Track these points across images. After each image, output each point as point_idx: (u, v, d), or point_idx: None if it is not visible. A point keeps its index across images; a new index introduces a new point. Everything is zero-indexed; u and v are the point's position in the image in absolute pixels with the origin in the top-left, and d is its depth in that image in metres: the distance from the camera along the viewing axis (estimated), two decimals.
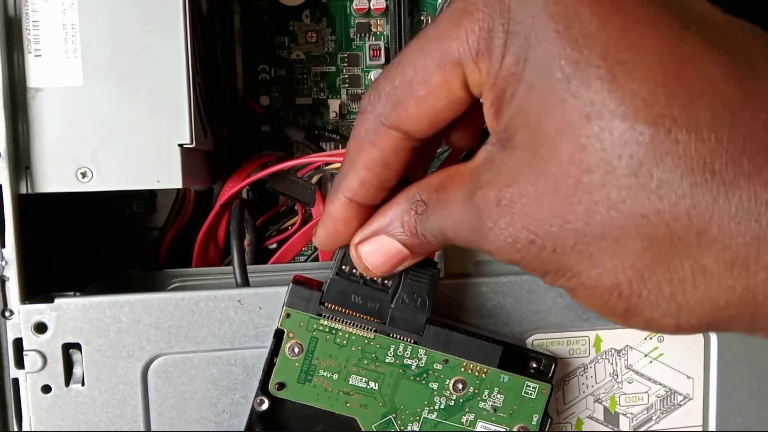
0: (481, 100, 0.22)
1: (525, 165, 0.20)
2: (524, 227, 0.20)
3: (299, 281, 0.28)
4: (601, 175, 0.18)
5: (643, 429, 0.33)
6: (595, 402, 0.33)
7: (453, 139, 0.26)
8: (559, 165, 0.19)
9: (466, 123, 0.24)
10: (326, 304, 0.27)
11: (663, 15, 0.19)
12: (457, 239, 0.23)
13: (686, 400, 0.33)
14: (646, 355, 0.33)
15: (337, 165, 0.37)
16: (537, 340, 0.32)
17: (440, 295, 0.29)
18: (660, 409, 0.33)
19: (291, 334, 0.28)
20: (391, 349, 0.28)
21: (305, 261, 0.42)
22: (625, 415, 0.33)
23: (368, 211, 0.25)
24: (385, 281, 0.27)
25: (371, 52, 0.42)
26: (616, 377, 0.33)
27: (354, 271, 0.27)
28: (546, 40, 0.19)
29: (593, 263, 0.19)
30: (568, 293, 0.21)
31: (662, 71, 0.18)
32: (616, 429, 0.33)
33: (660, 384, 0.33)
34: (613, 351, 0.32)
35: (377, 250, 0.25)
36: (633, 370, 0.33)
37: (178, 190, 0.41)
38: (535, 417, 0.29)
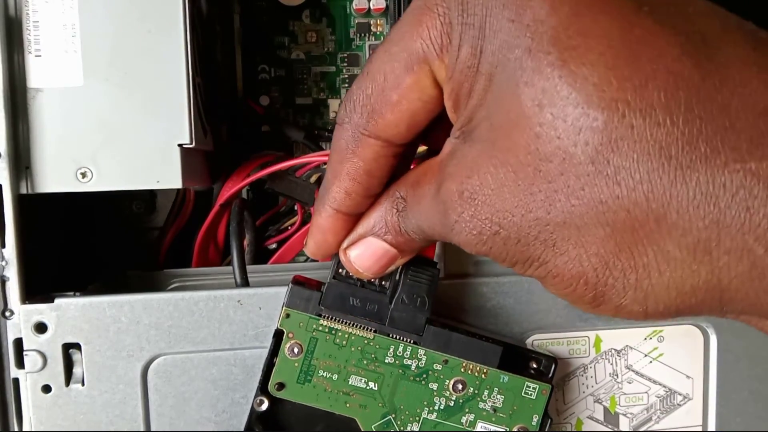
0: None
1: (485, 156, 0.20)
2: (488, 218, 0.20)
3: (299, 281, 0.28)
4: (559, 163, 0.18)
5: (642, 429, 0.33)
6: (595, 402, 0.33)
7: (431, 140, 0.25)
8: (516, 155, 0.19)
9: (442, 122, 0.23)
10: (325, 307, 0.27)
11: None
12: (433, 234, 0.22)
13: (686, 400, 0.33)
14: (645, 355, 0.33)
15: None
16: (537, 341, 0.32)
17: (440, 295, 0.29)
18: (660, 409, 0.33)
19: (290, 335, 0.28)
20: (391, 350, 0.28)
21: (305, 261, 0.42)
22: (625, 415, 0.33)
23: (356, 219, 0.25)
24: (383, 282, 0.27)
25: (371, 52, 0.42)
26: (615, 377, 0.33)
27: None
28: (501, 30, 0.19)
29: (558, 252, 0.19)
30: (539, 282, 0.21)
31: (613, 54, 0.17)
32: (616, 429, 0.33)
33: (660, 384, 0.33)
34: (612, 351, 0.32)
35: (365, 253, 0.25)
36: (633, 370, 0.33)
37: (178, 190, 0.41)
38: (535, 417, 0.29)
